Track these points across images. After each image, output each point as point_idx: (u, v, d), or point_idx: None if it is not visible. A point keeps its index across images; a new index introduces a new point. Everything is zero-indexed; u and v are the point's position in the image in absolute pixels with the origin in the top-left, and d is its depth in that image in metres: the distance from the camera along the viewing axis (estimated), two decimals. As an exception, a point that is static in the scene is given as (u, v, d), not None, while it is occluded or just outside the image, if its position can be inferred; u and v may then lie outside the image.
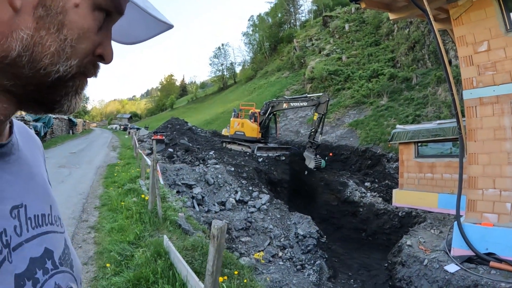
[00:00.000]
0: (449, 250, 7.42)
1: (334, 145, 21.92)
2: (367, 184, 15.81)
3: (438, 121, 12.76)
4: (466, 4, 7.01)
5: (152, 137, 22.08)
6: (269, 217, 11.32)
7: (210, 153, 18.56)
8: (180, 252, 4.89)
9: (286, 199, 15.25)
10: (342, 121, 24.60)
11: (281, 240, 10.27)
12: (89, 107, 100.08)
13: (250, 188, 13.24)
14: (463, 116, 7.50)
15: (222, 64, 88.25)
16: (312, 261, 9.38)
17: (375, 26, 37.51)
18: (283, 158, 18.61)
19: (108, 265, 4.73)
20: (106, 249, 5.33)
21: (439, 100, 19.77)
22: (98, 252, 5.39)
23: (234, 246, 9.46)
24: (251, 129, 20.90)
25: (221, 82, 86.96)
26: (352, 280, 9.49)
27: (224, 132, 27.24)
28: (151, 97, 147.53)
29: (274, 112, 21.28)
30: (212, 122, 45.41)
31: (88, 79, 0.62)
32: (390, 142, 13.90)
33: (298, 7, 74.72)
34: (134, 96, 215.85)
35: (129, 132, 38.81)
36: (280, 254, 9.69)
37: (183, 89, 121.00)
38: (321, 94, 18.59)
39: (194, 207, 10.74)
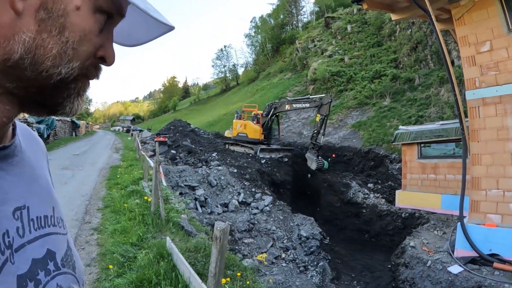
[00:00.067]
0: (453, 251, 7.40)
1: (337, 146, 21.90)
2: (370, 185, 15.78)
3: (441, 122, 12.72)
4: (468, 4, 6.99)
5: (155, 139, 22.09)
6: (272, 219, 11.31)
7: (213, 154, 18.59)
8: (183, 254, 4.89)
9: (289, 200, 15.24)
10: (345, 122, 24.57)
11: (284, 241, 10.26)
12: (92, 109, 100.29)
13: (253, 189, 13.24)
14: (466, 116, 7.48)
15: (224, 66, 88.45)
16: (315, 263, 9.36)
17: (377, 27, 37.47)
18: (286, 159, 18.59)
19: (111, 266, 4.73)
20: (109, 251, 5.33)
21: (442, 101, 19.72)
22: (101, 254, 5.39)
23: (237, 247, 9.45)
24: (254, 130, 20.91)
25: (224, 84, 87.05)
26: (355, 282, 9.47)
27: (227, 133, 27.25)
28: (153, 99, 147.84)
29: (277, 114, 21.27)
30: (215, 123, 45.44)
31: (90, 81, 0.62)
32: (393, 143, 13.87)
33: (300, 8, 74.79)
34: (136, 98, 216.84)
35: (132, 134, 38.85)
36: (283, 255, 9.68)
37: (186, 91, 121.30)
38: (323, 95, 18.59)
39: (197, 208, 10.75)
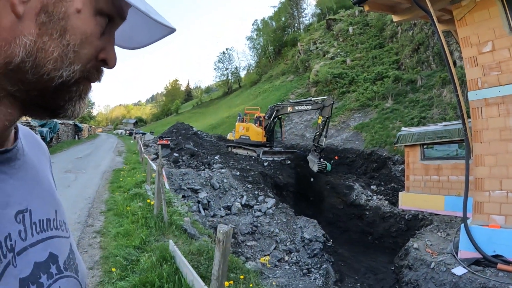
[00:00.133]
0: (456, 253, 7.36)
1: (339, 148, 21.88)
2: (373, 187, 15.74)
3: (444, 123, 12.69)
4: (469, 4, 6.98)
5: (158, 142, 22.15)
6: (275, 221, 11.29)
7: (215, 157, 18.60)
8: (186, 257, 4.88)
9: (292, 203, 15.21)
10: (348, 124, 24.55)
11: (287, 244, 10.24)
12: (94, 112, 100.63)
13: (256, 192, 13.23)
14: (469, 117, 7.45)
15: (226, 69, 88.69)
16: (319, 265, 9.33)
17: (379, 28, 37.49)
18: (289, 162, 18.58)
19: (113, 269, 4.73)
20: (112, 254, 5.33)
21: (444, 102, 19.68)
22: (103, 257, 5.40)
23: (240, 250, 9.43)
24: (256, 133, 20.92)
25: (226, 87, 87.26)
26: (358, 284, 9.42)
27: (230, 136, 27.29)
28: (156, 102, 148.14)
29: (279, 116, 21.28)
30: (217, 126, 45.51)
31: (92, 84, 0.62)
32: (396, 145, 13.84)
33: (302, 10, 74.94)
34: (139, 101, 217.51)
35: (134, 137, 38.95)
36: (286, 258, 9.66)
37: (188, 94, 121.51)
38: (325, 97, 18.58)
39: (199, 211, 10.74)
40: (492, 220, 6.78)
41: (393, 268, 9.55)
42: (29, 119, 14.38)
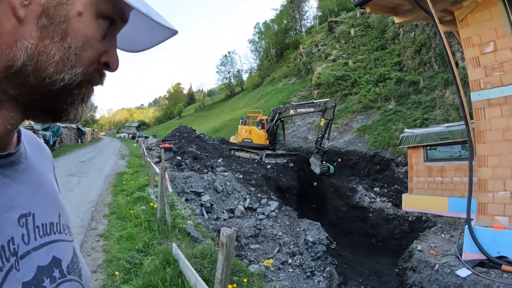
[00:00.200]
0: (460, 255, 7.32)
1: (342, 150, 21.83)
2: (376, 189, 15.70)
3: (447, 124, 12.65)
4: (471, 5, 6.97)
5: (161, 145, 22.17)
6: (278, 224, 11.27)
7: (218, 160, 18.60)
8: (189, 260, 4.88)
9: (295, 205, 15.18)
10: (350, 127, 24.50)
11: (291, 247, 10.22)
12: (97, 116, 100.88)
13: (259, 195, 13.22)
14: (472, 118, 7.43)
15: (229, 72, 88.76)
16: (322, 268, 9.31)
17: (380, 30, 37.43)
18: (292, 164, 18.56)
19: (117, 273, 4.74)
20: (115, 257, 5.33)
21: (447, 103, 19.63)
22: (107, 260, 5.40)
23: (243, 253, 9.42)
24: (259, 136, 20.91)
25: (229, 90, 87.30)
26: (362, 286, 9.38)
27: (232, 139, 27.27)
28: (159, 105, 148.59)
29: (282, 119, 21.27)
30: (220, 129, 45.50)
31: (95, 87, 0.62)
32: (399, 147, 13.81)
33: (304, 13, 74.90)
34: (142, 104, 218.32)
35: (137, 141, 39.00)
36: (290, 261, 9.64)
37: (191, 97, 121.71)
38: (327, 99, 18.57)
39: (203, 214, 10.74)
40: (496, 221, 6.75)
41: (397, 270, 9.50)
42: (32, 122, 14.44)
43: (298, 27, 74.76)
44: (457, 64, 19.55)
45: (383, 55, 33.26)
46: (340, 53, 39.93)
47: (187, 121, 62.72)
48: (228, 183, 13.32)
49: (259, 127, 21.30)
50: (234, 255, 7.02)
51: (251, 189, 13.61)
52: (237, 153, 21.97)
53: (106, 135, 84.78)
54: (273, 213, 11.83)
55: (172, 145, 21.82)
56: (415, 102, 22.26)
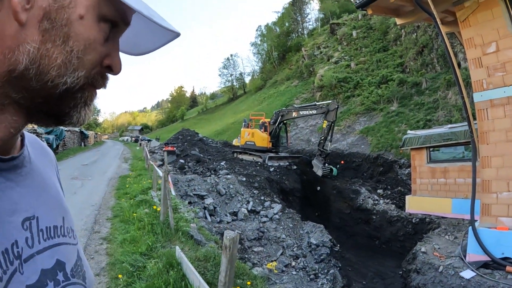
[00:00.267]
0: (464, 256, 7.28)
1: (345, 152, 21.79)
2: (379, 191, 15.66)
3: (450, 125, 12.62)
4: (472, 5, 6.96)
5: (163, 149, 22.21)
6: (281, 227, 11.26)
7: (221, 163, 18.61)
8: (193, 263, 4.88)
9: (298, 208, 15.16)
10: (353, 129, 24.46)
11: (294, 249, 10.20)
12: (100, 119, 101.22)
13: (262, 197, 13.21)
14: (475, 119, 7.41)
15: (231, 75, 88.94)
16: (326, 270, 9.28)
17: (382, 32, 37.41)
18: (295, 167, 18.54)
19: (120, 276, 4.74)
20: (118, 260, 5.34)
21: (449, 104, 19.57)
22: (110, 263, 5.41)
23: (246, 256, 9.41)
24: (261, 138, 20.90)
25: (231, 93, 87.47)
26: (366, 289, 9.38)
27: (235, 142, 27.30)
28: (161, 108, 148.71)
29: (284, 121, 21.25)
30: (223, 132, 45.55)
31: (98, 91, 0.62)
32: (402, 148, 13.76)
33: (305, 15, 75.13)
34: (144, 108, 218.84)
35: (140, 144, 39.10)
36: (293, 263, 9.62)
37: (193, 100, 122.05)
38: (329, 101, 18.55)
39: (206, 217, 10.74)
40: (500, 222, 6.71)
41: (400, 272, 9.47)
42: (35, 126, 14.48)
43: (300, 30, 74.95)
44: (459, 65, 19.52)
45: (385, 57, 33.24)
46: (342, 55, 39.93)
47: (189, 124, 62.79)
48: (231, 186, 13.32)
49: (261, 130, 21.30)
50: (238, 258, 7.01)
51: (254, 191, 13.60)
52: (240, 156, 21.96)
53: (109, 138, 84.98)
54: (276, 216, 11.81)
55: (175, 148, 21.85)
56: (418, 104, 22.21)
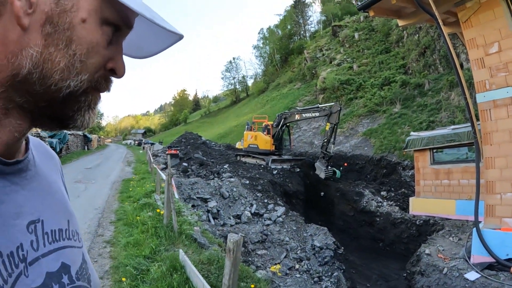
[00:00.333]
0: (469, 258, 7.25)
1: (348, 155, 21.74)
2: (383, 193, 15.61)
3: (453, 126, 12.57)
4: (474, 6, 6.95)
5: (167, 152, 22.23)
6: (285, 230, 11.23)
7: (224, 166, 18.61)
8: (196, 266, 4.88)
9: (302, 210, 15.14)
10: (356, 131, 24.40)
11: (298, 252, 10.17)
12: (103, 123, 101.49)
13: (266, 200, 13.19)
14: (478, 120, 7.39)
15: (234, 78, 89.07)
16: (330, 273, 9.25)
17: (384, 33, 37.37)
18: (298, 169, 18.51)
19: (123, 279, 4.74)
20: (122, 264, 5.34)
21: (452, 105, 19.51)
22: (113, 267, 5.41)
23: (250, 259, 9.39)
24: (264, 141, 20.89)
25: (234, 96, 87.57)
26: (370, 291, 9.35)
27: (238, 145, 27.29)
28: (164, 112, 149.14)
29: (287, 124, 21.23)
30: (226, 135, 45.53)
31: (102, 94, 0.63)
32: (405, 150, 13.73)
33: (307, 18, 75.14)
34: (147, 111, 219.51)
35: (143, 147, 39.14)
36: (297, 266, 9.59)
37: (196, 104, 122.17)
38: (332, 103, 18.52)
39: (209, 220, 10.73)
40: (504, 223, 6.68)
41: (405, 274, 9.43)
42: (39, 130, 14.53)
43: (302, 32, 74.99)
44: (462, 65, 19.45)
45: (388, 58, 33.18)
46: (345, 57, 39.89)
47: (192, 128, 62.88)
48: (234, 189, 13.31)
49: (264, 133, 21.29)
50: (241, 261, 7.01)
51: (258, 194, 13.59)
52: (243, 159, 21.96)
53: (112, 142, 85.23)
54: (280, 219, 11.79)
55: (178, 152, 21.87)
56: (421, 105, 22.14)
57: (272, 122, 21.51)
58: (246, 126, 23.75)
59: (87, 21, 0.53)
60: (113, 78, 0.63)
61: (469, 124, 8.51)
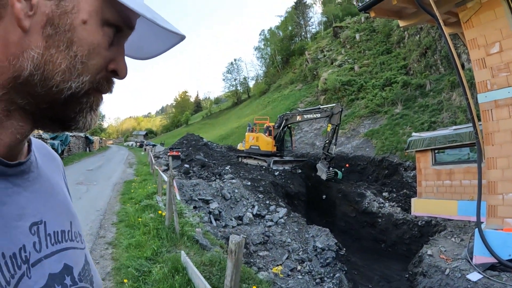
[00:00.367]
0: (471, 258, 7.24)
1: (350, 156, 21.73)
2: (385, 194, 15.59)
3: (454, 127, 12.56)
4: (475, 6, 6.94)
5: (168, 153, 22.24)
6: (286, 231, 11.22)
7: (226, 168, 18.60)
8: (198, 268, 4.88)
9: (304, 212, 15.12)
10: (357, 132, 24.39)
11: (300, 253, 10.16)
12: (105, 124, 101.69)
13: (267, 202, 13.18)
14: (479, 120, 7.38)
15: (235, 79, 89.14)
16: (332, 274, 9.24)
17: (385, 34, 37.37)
18: (299, 171, 18.50)
19: (125, 281, 4.74)
20: (124, 265, 5.34)
21: (454, 105, 19.49)
22: (115, 268, 5.41)
23: (252, 260, 9.38)
24: (266, 143, 20.90)
25: (235, 97, 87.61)
26: (372, 292, 9.33)
27: (240, 146, 27.31)
28: (166, 113, 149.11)
29: (289, 125, 21.23)
30: (227, 137, 45.56)
31: (104, 95, 0.63)
32: (407, 151, 13.71)
33: (308, 19, 75.18)
34: (149, 113, 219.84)
35: (145, 149, 39.20)
36: (299, 267, 9.58)
37: (198, 105, 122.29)
38: (333, 104, 18.52)
39: (211, 222, 10.72)
40: (506, 224, 6.66)
41: (407, 275, 9.41)
42: (41, 132, 14.51)
43: (303, 33, 75.05)
44: (463, 66, 19.43)
45: (389, 59, 33.18)
46: (346, 58, 39.89)
47: (194, 129, 62.92)
48: (236, 190, 13.31)
49: (266, 134, 21.29)
50: (243, 263, 7.00)
51: (259, 196, 13.58)
52: (245, 160, 21.96)
53: (114, 143, 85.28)
54: (282, 220, 11.78)
55: (179, 153, 21.91)
56: (422, 106, 22.12)
57: (273, 124, 21.51)
58: (248, 128, 23.75)
59: (87, 23, 0.53)
60: (115, 79, 0.63)
61: (470, 124, 8.49)
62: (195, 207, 11.08)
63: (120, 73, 0.61)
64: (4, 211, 0.53)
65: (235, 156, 24.30)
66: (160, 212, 8.21)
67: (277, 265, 9.42)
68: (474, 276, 6.65)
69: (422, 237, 11.04)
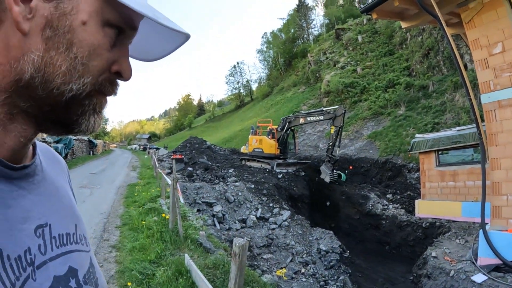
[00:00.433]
0: (476, 260, 7.19)
1: (353, 158, 21.69)
2: (388, 196, 15.54)
3: (458, 128, 12.53)
4: (477, 6, 6.93)
5: (172, 157, 22.30)
6: (290, 233, 11.20)
7: (229, 171, 18.61)
8: (202, 271, 4.88)
9: (307, 214, 15.10)
10: (361, 134, 24.36)
11: (304, 256, 10.14)
12: (108, 128, 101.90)
13: (271, 204, 13.16)
14: (483, 120, 7.35)
15: (238, 82, 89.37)
16: (336, 277, 9.21)
17: (388, 35, 37.34)
18: (303, 173, 18.46)
19: (129, 284, 4.75)
20: (128, 268, 5.35)
21: (457, 106, 19.43)
22: (119, 271, 5.42)
23: (256, 263, 9.36)
24: (269, 145, 20.88)
25: (238, 100, 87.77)
26: (377, 294, 9.29)
27: (243, 149, 27.32)
28: (169, 117, 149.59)
29: (292, 128, 21.21)
30: (231, 140, 45.60)
31: (108, 98, 0.62)
32: (410, 152, 13.67)
33: (310, 21, 75.34)
34: (152, 116, 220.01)
35: (148, 152, 39.26)
36: (303, 270, 9.55)
37: (201, 108, 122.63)
38: (337, 107, 18.49)
39: (215, 225, 10.72)
40: (511, 225, 6.63)
41: (411, 277, 9.37)
42: (45, 135, 14.54)
43: (306, 36, 75.13)
44: (466, 66, 19.39)
45: (391, 61, 33.14)
46: (348, 60, 39.87)
47: (197, 132, 63.00)
48: (239, 193, 13.30)
49: (269, 137, 21.27)
50: (247, 265, 7.00)
51: (263, 198, 13.57)
52: (248, 163, 21.94)
53: (117, 147, 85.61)
54: (285, 223, 11.76)
55: (183, 156, 21.94)
56: (425, 107, 22.07)
57: (276, 126, 21.48)
58: (251, 130, 23.76)
59: (87, 24, 0.53)
60: (119, 81, 0.62)
61: (474, 125, 8.47)
62: (198, 210, 11.08)
63: (124, 74, 0.60)
64: (9, 214, 0.53)
65: (238, 159, 24.31)
66: (163, 215, 8.21)
67: (281, 268, 9.40)
68: (479, 277, 6.61)
69: (426, 239, 11.00)
